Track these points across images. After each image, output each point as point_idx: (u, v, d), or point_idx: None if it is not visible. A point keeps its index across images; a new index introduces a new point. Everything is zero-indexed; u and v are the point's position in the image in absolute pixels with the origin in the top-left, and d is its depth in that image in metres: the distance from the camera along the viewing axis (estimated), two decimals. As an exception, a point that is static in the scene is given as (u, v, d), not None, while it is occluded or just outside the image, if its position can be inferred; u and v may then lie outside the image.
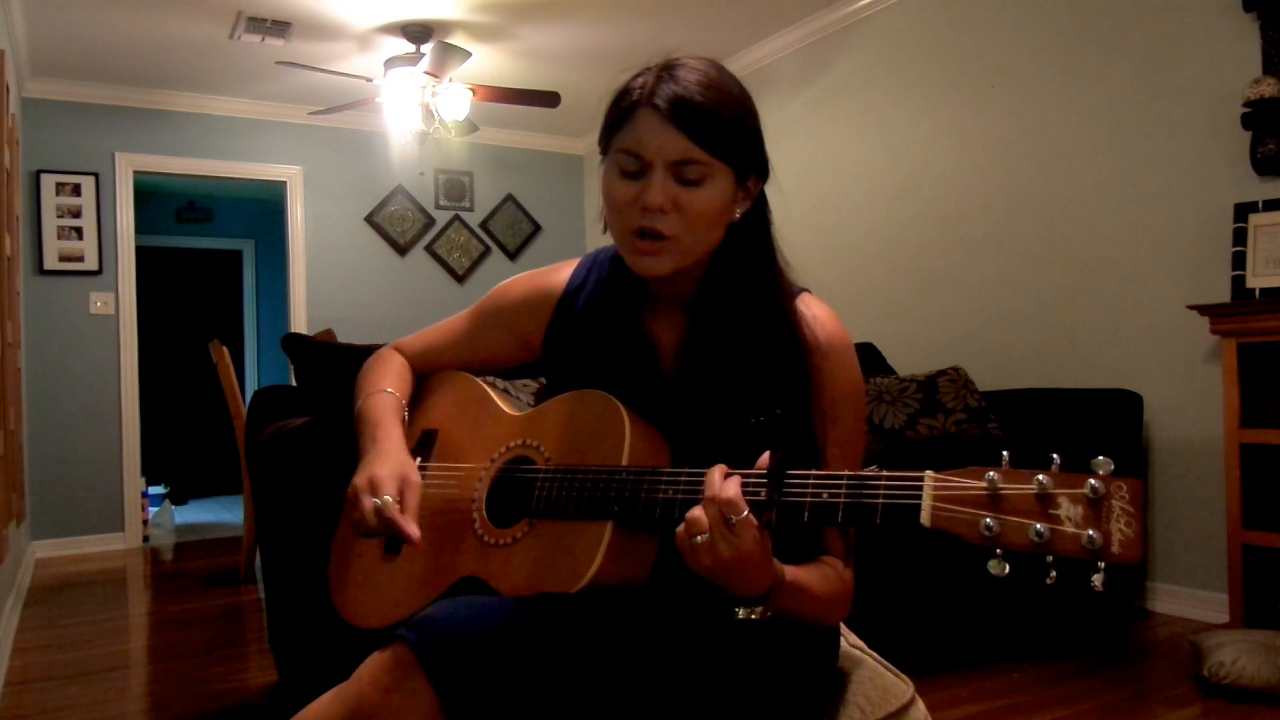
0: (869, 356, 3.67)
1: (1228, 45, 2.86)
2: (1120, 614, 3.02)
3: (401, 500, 1.09)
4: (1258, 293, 2.70)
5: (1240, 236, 2.76)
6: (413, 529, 1.07)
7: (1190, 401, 2.96)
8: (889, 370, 3.65)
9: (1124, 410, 2.93)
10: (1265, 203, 2.74)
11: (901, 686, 1.17)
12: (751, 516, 0.88)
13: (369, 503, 1.08)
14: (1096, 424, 2.94)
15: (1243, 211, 2.77)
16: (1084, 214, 3.30)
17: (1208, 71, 2.91)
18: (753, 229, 1.12)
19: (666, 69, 1.06)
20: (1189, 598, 2.98)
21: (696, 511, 0.90)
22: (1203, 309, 2.74)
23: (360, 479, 1.11)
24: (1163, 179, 3.05)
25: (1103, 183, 3.23)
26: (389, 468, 1.11)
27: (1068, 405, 3.05)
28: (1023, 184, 3.52)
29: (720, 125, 1.03)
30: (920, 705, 1.17)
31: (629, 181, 1.06)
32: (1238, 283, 2.74)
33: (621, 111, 1.07)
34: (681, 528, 0.91)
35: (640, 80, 1.07)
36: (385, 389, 1.26)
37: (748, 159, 1.07)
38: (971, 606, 2.63)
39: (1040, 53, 3.44)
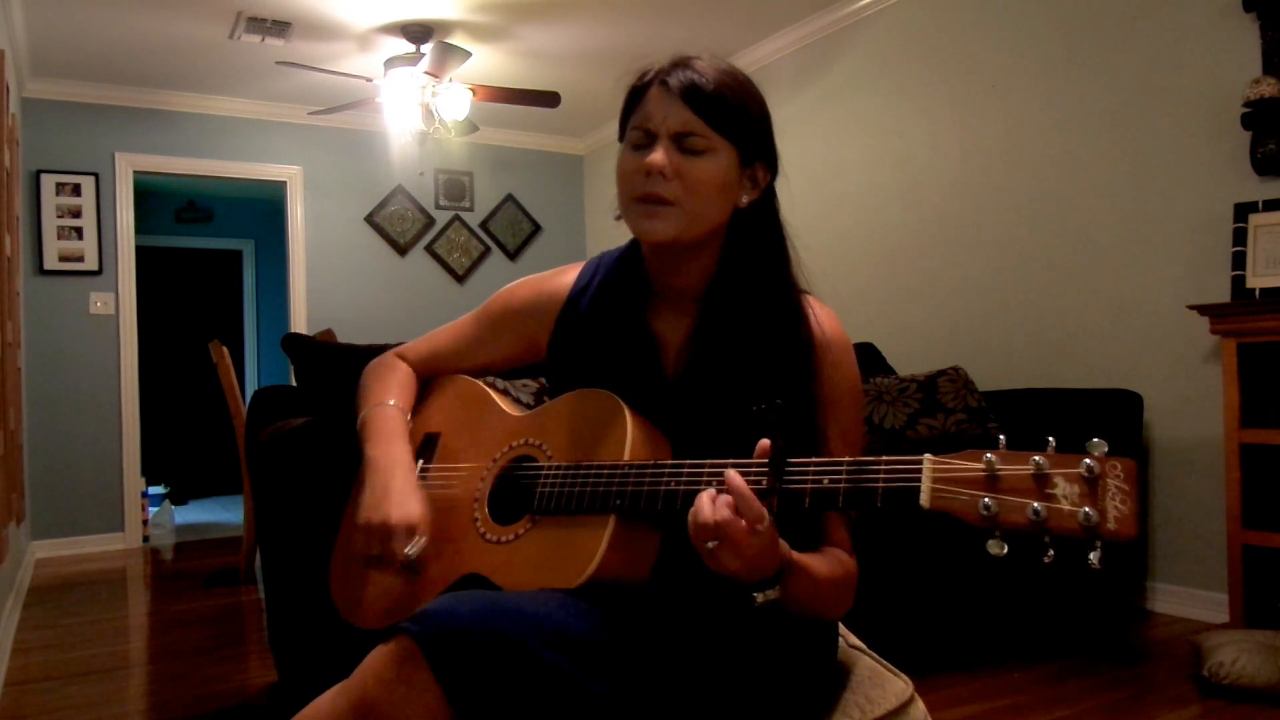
0: (869, 356, 3.67)
1: (1228, 45, 2.86)
2: (1120, 614, 3.02)
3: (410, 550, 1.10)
4: (1258, 293, 2.70)
5: (1240, 236, 2.76)
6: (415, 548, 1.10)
7: (1190, 401, 2.96)
8: (889, 370, 3.65)
9: (1124, 410, 2.93)
10: (1265, 203, 2.74)
11: (900, 685, 1.17)
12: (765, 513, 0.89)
13: (375, 551, 1.10)
14: (1096, 424, 2.93)
15: (1243, 211, 2.77)
16: (1084, 214, 3.30)
17: (1208, 71, 2.91)
18: (761, 221, 1.15)
19: (682, 59, 1.12)
20: (1189, 598, 2.98)
21: (707, 516, 0.90)
22: (1203, 309, 2.74)
23: (373, 517, 1.11)
24: (1163, 179, 3.05)
25: (1103, 182, 3.23)
26: (399, 513, 1.11)
27: (1068, 405, 3.04)
28: (1022, 184, 3.52)
29: (723, 104, 1.08)
30: (919, 704, 1.17)
31: (637, 153, 1.11)
32: (1238, 283, 2.74)
33: (635, 93, 1.14)
34: (695, 530, 0.91)
35: (655, 65, 1.13)
36: (389, 401, 1.26)
37: (752, 143, 1.12)
38: (971, 606, 2.63)
39: (1040, 53, 3.44)
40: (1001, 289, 3.60)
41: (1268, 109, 2.69)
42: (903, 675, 1.20)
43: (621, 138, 1.15)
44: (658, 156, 1.07)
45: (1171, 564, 3.03)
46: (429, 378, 1.35)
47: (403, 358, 1.36)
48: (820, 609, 1.06)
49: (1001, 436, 0.85)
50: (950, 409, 2.97)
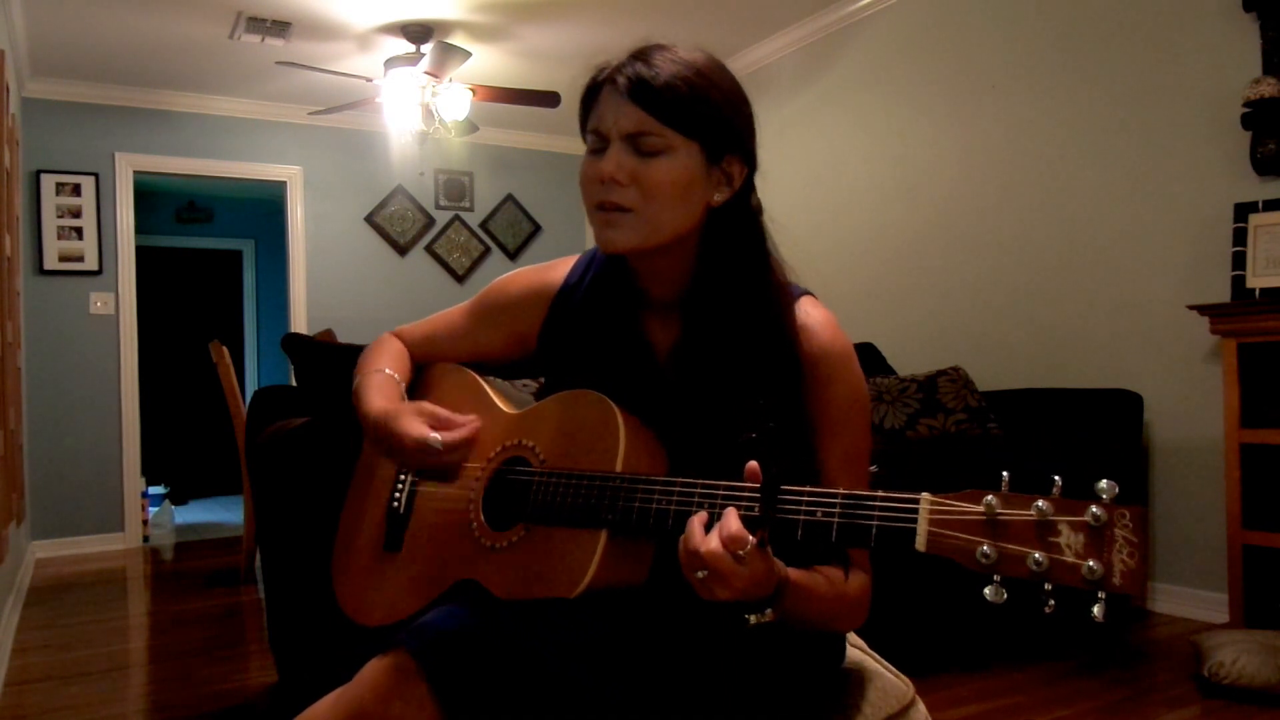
0: (869, 356, 3.67)
1: (1228, 45, 2.86)
2: (1120, 614, 3.02)
3: (436, 426, 1.10)
4: (1258, 293, 2.70)
5: (1240, 236, 2.76)
6: (467, 428, 1.09)
7: (1190, 401, 2.96)
8: (889, 370, 3.65)
9: (1124, 410, 2.93)
10: (1265, 203, 2.74)
11: (902, 688, 1.17)
12: (755, 546, 0.86)
13: (424, 457, 1.08)
14: (1096, 424, 2.94)
15: (1243, 211, 2.77)
16: (1084, 214, 3.30)
17: (1208, 71, 2.91)
18: (738, 218, 1.09)
19: (637, 53, 1.06)
20: (1189, 598, 2.98)
21: (696, 544, 0.87)
22: (1203, 309, 2.74)
23: (395, 452, 1.12)
24: (1163, 179, 3.05)
25: (1103, 183, 3.23)
26: (410, 434, 1.09)
27: (1068, 405, 3.05)
28: (1022, 184, 3.52)
29: (676, 99, 1.02)
30: (920, 706, 1.17)
31: (593, 159, 1.07)
32: (1238, 283, 2.74)
33: (588, 95, 1.09)
34: (684, 558, 0.89)
35: (611, 61, 1.08)
36: (383, 369, 1.25)
37: (717, 136, 1.05)
38: (972, 607, 2.63)
39: (1040, 53, 3.44)
40: (1001, 289, 3.60)
41: (1268, 109, 2.69)
42: (904, 677, 1.20)
43: (584, 139, 1.10)
44: (608, 164, 1.03)
45: (1171, 564, 3.03)
46: (425, 361, 1.35)
47: (399, 336, 1.36)
48: (824, 626, 1.04)
49: (1005, 474, 0.82)
50: (950, 409, 2.97)
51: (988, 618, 2.68)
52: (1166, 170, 3.04)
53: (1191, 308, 2.79)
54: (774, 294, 1.09)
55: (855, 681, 1.16)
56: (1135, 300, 3.13)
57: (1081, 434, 2.93)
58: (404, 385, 1.26)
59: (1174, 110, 3.01)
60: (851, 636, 1.27)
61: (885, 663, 1.23)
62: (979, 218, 3.69)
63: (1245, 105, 2.73)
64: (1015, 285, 3.55)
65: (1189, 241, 2.97)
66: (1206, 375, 2.90)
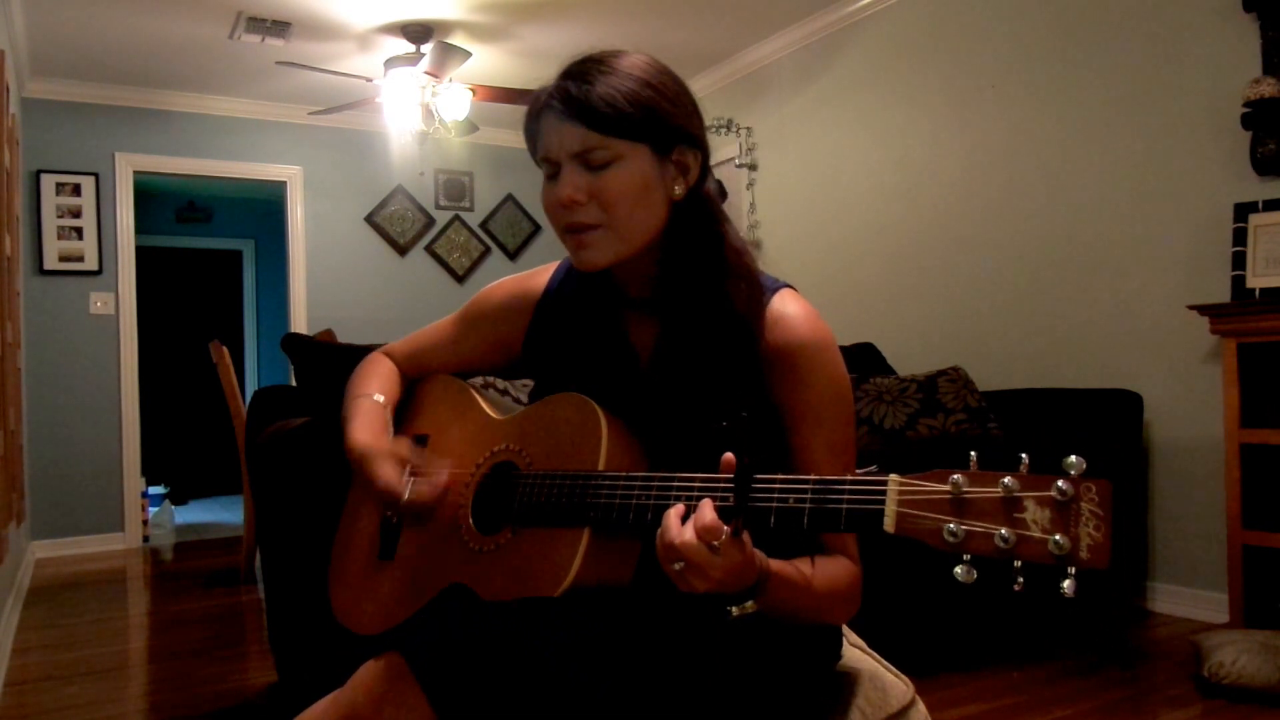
0: (869, 356, 3.67)
1: (1228, 45, 2.86)
2: (1120, 614, 3.02)
3: (412, 472, 1.15)
4: (1258, 293, 2.70)
5: (1240, 236, 2.76)
6: (434, 486, 1.14)
7: (1190, 401, 2.96)
8: (889, 370, 3.65)
9: (1124, 410, 2.93)
10: (1265, 203, 2.74)
11: (902, 688, 1.17)
12: (730, 536, 0.86)
13: (404, 505, 1.13)
14: (1096, 424, 2.94)
15: (1243, 211, 2.77)
16: (1084, 214, 3.30)
17: (1208, 71, 2.91)
18: (695, 207, 1.10)
19: (567, 72, 1.07)
20: (1189, 598, 2.98)
21: (671, 537, 0.88)
22: (1203, 309, 2.74)
23: (371, 495, 1.16)
24: (1163, 179, 3.05)
25: (1103, 183, 3.23)
26: (377, 486, 1.14)
27: (1068, 405, 3.05)
28: (1023, 184, 3.52)
29: (613, 106, 1.03)
30: (920, 706, 1.17)
31: (551, 185, 1.09)
32: (1238, 283, 2.74)
33: (529, 123, 1.11)
34: (661, 551, 0.89)
35: (545, 89, 1.09)
36: (369, 394, 1.27)
37: (661, 132, 1.06)
38: (972, 606, 2.63)
39: (1040, 53, 3.44)
40: (1001, 289, 3.60)
41: (1268, 109, 2.69)
42: (903, 677, 1.20)
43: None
44: (564, 188, 1.05)
45: (1171, 564, 3.03)
46: (416, 376, 1.36)
47: (389, 354, 1.38)
48: (812, 618, 1.04)
49: (973, 453, 0.81)
50: (950, 409, 2.97)
51: (987, 616, 2.68)
52: (1166, 170, 3.04)
53: (1191, 308, 2.79)
54: (731, 275, 1.09)
55: (855, 681, 1.16)
56: (1135, 300, 3.13)
57: (1081, 434, 2.92)
58: (391, 409, 1.28)
59: (1174, 110, 3.02)
60: (851, 636, 1.27)
61: (885, 662, 1.23)
62: (979, 217, 3.69)
63: (1245, 105, 2.73)
64: (1015, 285, 3.55)
65: (1189, 241, 2.97)
66: (1206, 375, 2.90)
